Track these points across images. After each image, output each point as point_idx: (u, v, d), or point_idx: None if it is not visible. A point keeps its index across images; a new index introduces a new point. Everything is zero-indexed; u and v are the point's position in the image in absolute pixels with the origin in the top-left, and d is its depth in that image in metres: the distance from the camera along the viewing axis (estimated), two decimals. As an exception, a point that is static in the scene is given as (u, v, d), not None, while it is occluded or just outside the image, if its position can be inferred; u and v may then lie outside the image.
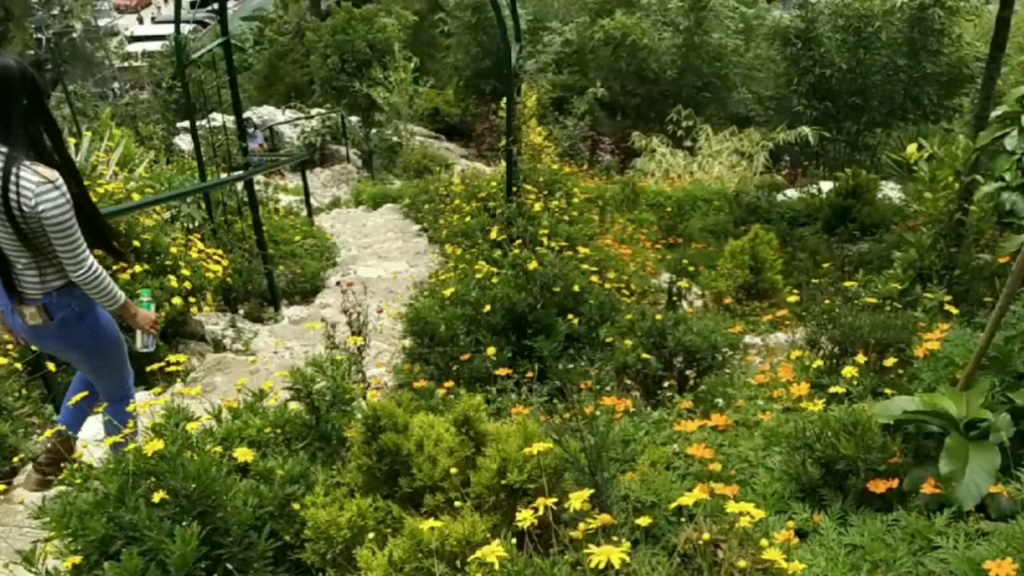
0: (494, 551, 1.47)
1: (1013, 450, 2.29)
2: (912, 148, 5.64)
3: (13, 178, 2.72)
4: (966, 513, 2.10)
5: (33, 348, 3.89)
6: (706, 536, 1.53)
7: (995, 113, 3.14)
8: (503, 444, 2.08)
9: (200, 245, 6.81)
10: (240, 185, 7.60)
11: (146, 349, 3.28)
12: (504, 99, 7.56)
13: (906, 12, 15.12)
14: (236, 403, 2.85)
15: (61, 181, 2.78)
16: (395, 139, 17.61)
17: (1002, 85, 10.07)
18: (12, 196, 2.72)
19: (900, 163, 10.67)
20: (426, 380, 4.07)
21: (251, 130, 13.33)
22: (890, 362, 3.11)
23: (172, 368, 2.84)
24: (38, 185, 2.73)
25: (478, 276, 5.12)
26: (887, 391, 2.90)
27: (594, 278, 5.34)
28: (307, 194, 11.38)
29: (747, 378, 3.70)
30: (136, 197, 6.25)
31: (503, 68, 7.03)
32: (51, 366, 3.89)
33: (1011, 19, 6.70)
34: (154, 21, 39.74)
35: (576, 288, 4.81)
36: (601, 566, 1.36)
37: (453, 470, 2.03)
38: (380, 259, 9.62)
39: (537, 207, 7.74)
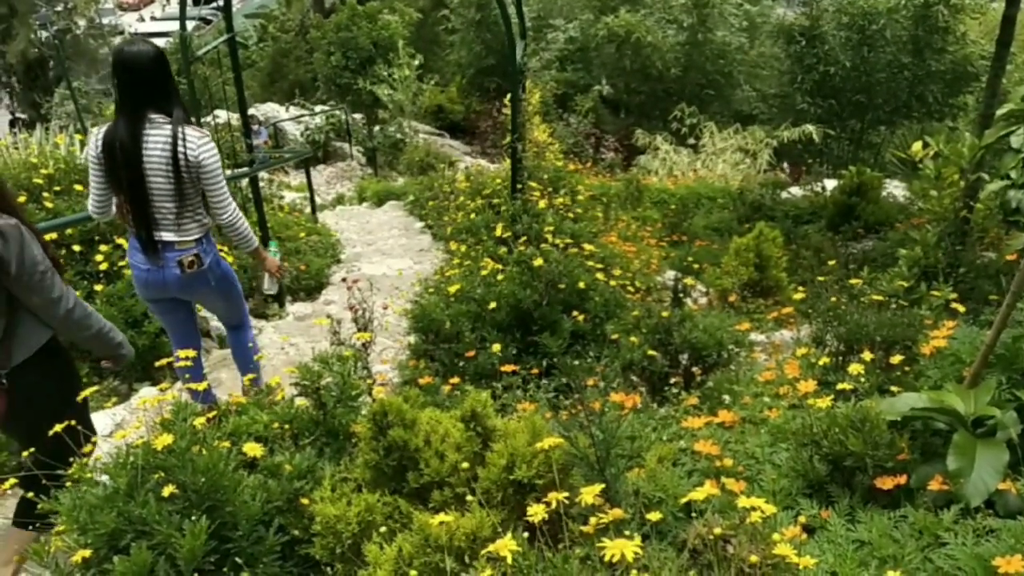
0: (507, 545, 1.47)
1: (1021, 447, 2.29)
2: (918, 146, 5.62)
3: (180, 136, 3.32)
4: (974, 510, 2.11)
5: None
6: (717, 531, 1.53)
7: (1001, 111, 3.13)
8: (511, 440, 2.08)
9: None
10: (244, 182, 7.60)
11: (270, 291, 4.00)
12: (508, 96, 7.55)
13: (911, 10, 15.08)
14: (243, 399, 2.86)
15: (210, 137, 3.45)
16: (399, 136, 17.60)
17: (1007, 83, 10.07)
18: (180, 150, 3.31)
19: (905, 161, 10.67)
20: (431, 376, 4.07)
21: (255, 127, 13.33)
22: (896, 360, 3.10)
23: (180, 364, 2.84)
24: (199, 139, 3.36)
25: (483, 273, 5.12)
26: (893, 389, 2.89)
27: (599, 275, 5.33)
28: (311, 191, 11.38)
29: (753, 375, 3.70)
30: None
31: (508, 65, 7.03)
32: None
33: (1017, 17, 6.67)
34: (153, 19, 39.82)
35: (581, 285, 4.81)
36: (615, 559, 1.36)
37: (464, 464, 2.03)
38: (384, 256, 9.62)
39: (542, 204, 7.73)
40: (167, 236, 3.46)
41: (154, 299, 3.71)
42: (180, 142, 3.32)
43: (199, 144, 3.35)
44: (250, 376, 3.35)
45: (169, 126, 3.33)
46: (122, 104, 3.34)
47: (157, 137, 3.33)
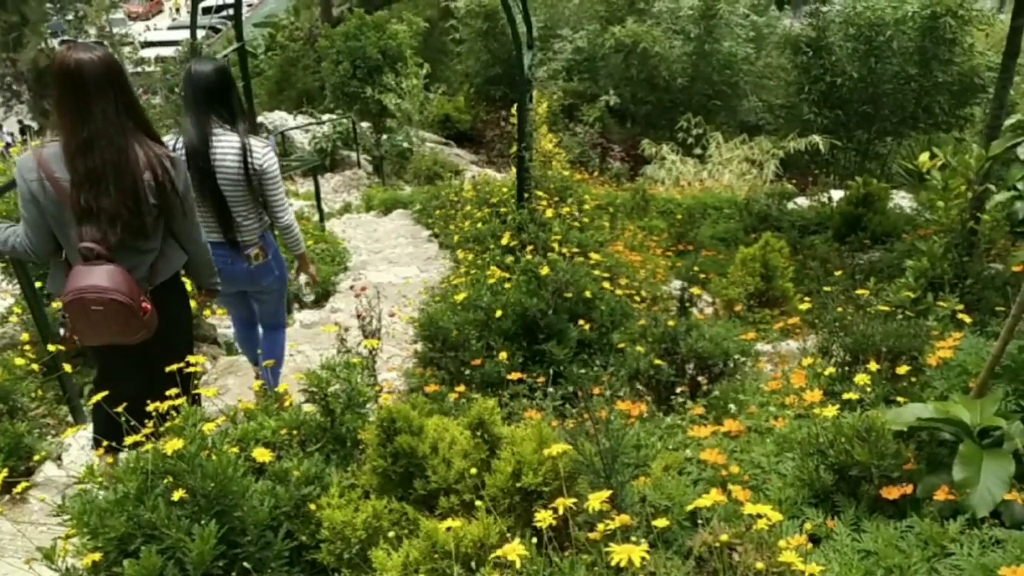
0: (515, 549, 1.48)
1: (1027, 458, 2.29)
2: (925, 157, 5.64)
3: (248, 147, 3.66)
4: (980, 520, 2.10)
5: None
6: (723, 538, 1.54)
7: (1008, 122, 3.14)
8: (518, 447, 2.09)
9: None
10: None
11: (309, 298, 4.39)
12: (515, 106, 7.58)
13: (918, 21, 15.06)
14: (251, 405, 2.87)
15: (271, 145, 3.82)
16: (406, 145, 17.63)
17: (1014, 94, 10.06)
18: (249, 160, 3.66)
19: (912, 172, 10.67)
20: (438, 384, 4.09)
21: (264, 135, 13.36)
22: (902, 370, 3.10)
23: (189, 370, 2.86)
24: (263, 147, 3.73)
25: (490, 281, 5.14)
26: (899, 399, 2.90)
27: (605, 284, 5.35)
28: (319, 199, 11.40)
29: (759, 385, 3.70)
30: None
31: (515, 74, 7.06)
32: (67, 367, 3.92)
33: (1024, 29, 6.68)
34: (156, 29, 40.11)
35: (588, 294, 4.82)
36: (623, 564, 1.37)
37: (471, 471, 2.04)
38: (391, 264, 9.64)
39: (548, 213, 7.75)
40: (240, 233, 3.85)
41: (223, 293, 4.04)
42: (248, 153, 3.66)
43: (263, 154, 3.70)
44: (259, 382, 3.44)
45: (235, 137, 3.67)
46: (188, 116, 3.66)
47: (227, 148, 3.66)
